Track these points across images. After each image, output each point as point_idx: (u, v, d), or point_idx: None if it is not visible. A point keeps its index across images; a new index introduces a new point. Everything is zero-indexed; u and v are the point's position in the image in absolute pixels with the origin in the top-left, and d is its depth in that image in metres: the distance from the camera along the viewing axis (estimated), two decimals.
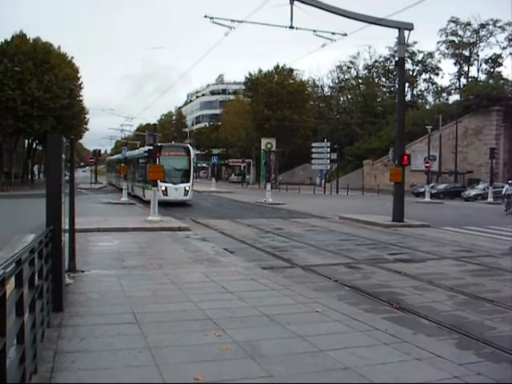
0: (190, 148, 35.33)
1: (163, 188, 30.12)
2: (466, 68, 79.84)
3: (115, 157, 65.24)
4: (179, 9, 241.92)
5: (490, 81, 68.81)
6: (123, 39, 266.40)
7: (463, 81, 79.86)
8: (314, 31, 19.85)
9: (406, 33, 21.04)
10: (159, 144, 26.27)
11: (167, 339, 6.59)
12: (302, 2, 18.96)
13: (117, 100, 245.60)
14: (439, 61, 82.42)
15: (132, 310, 7.98)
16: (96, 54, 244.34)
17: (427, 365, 5.87)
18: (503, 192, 33.57)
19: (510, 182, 34.14)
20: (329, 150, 59.26)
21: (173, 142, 64.74)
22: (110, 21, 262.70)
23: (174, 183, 31.86)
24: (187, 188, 32.61)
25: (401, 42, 21.27)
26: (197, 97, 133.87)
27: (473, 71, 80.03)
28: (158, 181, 23.59)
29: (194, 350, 6.22)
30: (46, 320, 6.62)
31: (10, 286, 4.28)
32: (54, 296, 7.60)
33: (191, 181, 33.27)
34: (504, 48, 76.21)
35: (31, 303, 5.32)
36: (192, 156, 34.45)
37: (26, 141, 70.60)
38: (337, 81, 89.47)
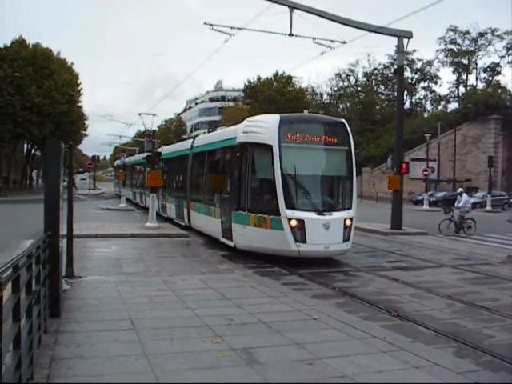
0: (348, 127, 14.83)
1: (294, 223, 13.01)
2: (464, 76, 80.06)
3: (133, 159, 46.17)
4: (180, 16, 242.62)
5: (489, 89, 69.01)
6: (124, 46, 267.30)
7: (462, 89, 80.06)
8: (314, 39, 19.90)
9: (405, 41, 21.12)
10: (279, 116, 14.12)
11: (164, 346, 6.57)
12: (302, 10, 19.03)
13: (116, 106, 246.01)
14: (438, 69, 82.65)
15: (129, 316, 7.96)
16: (97, 61, 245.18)
17: (425, 373, 5.85)
18: (457, 204, 23.51)
19: (460, 190, 24.69)
20: None
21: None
22: (111, 27, 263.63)
23: (317, 210, 13.43)
24: (348, 222, 13.73)
25: (400, 50, 21.36)
26: (196, 103, 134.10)
27: (471, 79, 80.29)
28: (283, 207, 12.95)
29: (191, 356, 6.20)
30: (42, 326, 6.59)
31: (7, 291, 4.27)
32: (51, 302, 7.57)
33: (354, 203, 14.40)
34: (502, 57, 76.49)
35: (28, 309, 5.30)
36: (352, 145, 14.83)
37: (25, 146, 70.64)
38: (336, 88, 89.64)
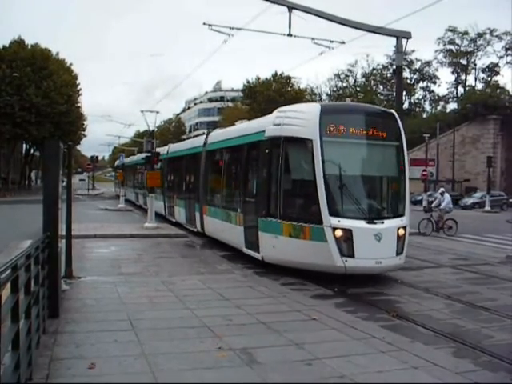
0: (398, 118, 12.67)
1: (340, 234, 10.95)
2: (463, 77, 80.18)
3: (135, 158, 42.28)
4: (179, 16, 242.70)
5: (488, 90, 69.07)
6: (123, 46, 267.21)
7: (460, 89, 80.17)
8: (313, 39, 19.88)
9: (404, 41, 21.13)
10: (320, 105, 12.31)
11: (163, 346, 6.56)
12: (301, 10, 19.03)
13: (115, 107, 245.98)
14: (437, 69, 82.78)
15: (128, 316, 7.95)
16: (96, 61, 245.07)
17: (424, 373, 5.85)
18: (436, 203, 23.18)
19: (442, 190, 24.10)
20: None
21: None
22: (110, 28, 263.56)
23: (367, 218, 11.30)
24: (401, 232, 11.65)
25: (399, 50, 21.36)
26: (195, 104, 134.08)
27: (470, 80, 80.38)
28: (326, 213, 10.91)
29: (191, 357, 6.20)
30: (41, 326, 6.59)
31: (6, 291, 4.27)
32: (50, 302, 7.57)
33: (407, 209, 12.19)
34: (501, 57, 76.62)
35: (27, 309, 5.30)
36: (404, 140, 12.65)
37: (24, 146, 70.60)
38: (335, 89, 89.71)
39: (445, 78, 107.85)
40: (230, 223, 15.06)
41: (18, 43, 57.54)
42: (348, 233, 10.84)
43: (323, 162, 11.18)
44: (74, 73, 62.79)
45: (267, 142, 12.71)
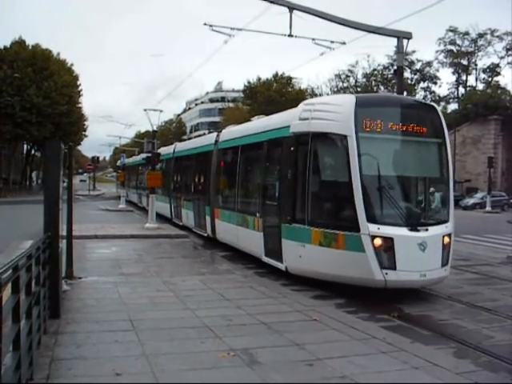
0: (440, 112, 11.46)
1: (379, 243, 9.68)
2: (464, 77, 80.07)
3: (138, 158, 39.25)
4: (180, 17, 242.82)
5: (488, 90, 69.02)
6: (124, 47, 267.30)
7: (461, 90, 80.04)
8: (313, 39, 19.87)
9: (405, 42, 21.13)
10: (354, 96, 10.99)
11: (164, 347, 6.57)
12: (301, 11, 19.03)
13: (116, 107, 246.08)
14: (437, 70, 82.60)
15: (129, 317, 7.96)
16: (97, 62, 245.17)
17: (425, 373, 5.85)
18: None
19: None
20: None
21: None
22: (111, 29, 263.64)
23: (410, 225, 10.07)
24: (446, 240, 10.45)
25: (399, 50, 21.34)
26: (196, 104, 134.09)
27: (471, 80, 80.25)
28: (363, 219, 9.73)
29: (191, 357, 6.20)
30: (42, 326, 6.59)
31: (7, 292, 4.27)
32: (51, 302, 7.58)
33: (451, 214, 10.98)
34: (502, 57, 76.48)
35: (28, 309, 5.31)
36: (447, 137, 11.43)
37: (25, 147, 70.64)
38: (336, 89, 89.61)
39: (446, 79, 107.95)
40: (247, 228, 13.83)
41: (19, 44, 57.60)
42: (389, 242, 9.62)
43: (360, 160, 9.94)
44: (74, 73, 62.89)
45: (292, 139, 11.49)
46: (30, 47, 58.25)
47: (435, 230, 10.22)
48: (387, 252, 9.63)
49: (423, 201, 11.01)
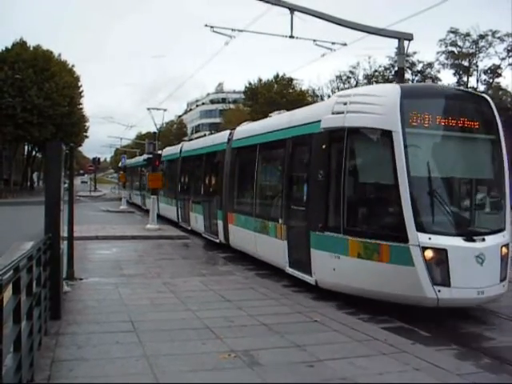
0: (493, 105, 9.89)
1: (431, 255, 8.37)
2: (465, 78, 79.97)
3: (141, 158, 36.21)
4: (181, 17, 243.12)
5: (489, 91, 69.01)
6: (126, 48, 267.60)
7: None
8: (314, 41, 19.87)
9: (406, 43, 21.14)
10: (399, 86, 9.83)
11: (165, 348, 6.56)
12: (302, 12, 19.04)
13: (117, 108, 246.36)
14: (438, 71, 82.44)
15: (130, 318, 7.96)
16: (98, 63, 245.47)
17: (426, 375, 5.84)
18: None
19: None
20: None
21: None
22: (112, 30, 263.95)
23: (465, 234, 8.73)
24: (504, 251, 8.98)
25: (400, 52, 21.34)
26: (197, 105, 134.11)
27: (472, 82, 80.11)
28: (412, 228, 8.45)
29: (192, 358, 6.19)
30: (43, 328, 6.59)
31: (8, 293, 4.27)
32: (52, 304, 7.58)
33: (508, 221, 9.42)
34: (503, 59, 76.38)
35: (28, 310, 5.31)
36: (502, 133, 9.75)
37: (26, 148, 70.72)
38: (337, 90, 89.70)
39: (447, 80, 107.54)
40: (267, 236, 12.51)
41: (21, 45, 57.79)
42: (442, 254, 8.32)
43: (407, 160, 8.69)
44: (76, 74, 63.11)
45: (323, 135, 10.16)
46: (32, 48, 58.43)
47: (493, 240, 8.82)
48: (440, 266, 8.33)
49: (478, 206, 9.83)
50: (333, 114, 9.99)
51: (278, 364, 6.09)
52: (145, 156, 29.51)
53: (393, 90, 9.48)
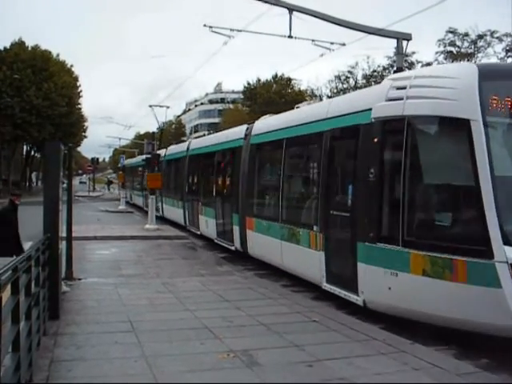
0: None
1: None
2: None
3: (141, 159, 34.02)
4: (181, 18, 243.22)
5: None
6: (125, 48, 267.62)
7: None
8: (313, 41, 19.86)
9: (405, 43, 21.15)
10: (476, 66, 7.96)
11: (164, 348, 6.56)
12: (301, 12, 19.05)
13: (116, 108, 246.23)
14: None
15: (129, 318, 7.95)
16: (97, 63, 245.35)
17: (425, 375, 5.83)
18: None
19: None
20: None
21: None
22: (112, 30, 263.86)
23: None
24: None
25: (399, 52, 21.36)
26: (195, 106, 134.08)
27: None
28: (498, 240, 6.71)
29: (191, 358, 6.19)
30: (42, 328, 6.58)
31: (6, 293, 4.27)
32: (51, 304, 7.57)
33: None
34: (501, 59, 76.42)
35: (27, 311, 5.30)
36: None
37: (25, 148, 70.66)
38: (335, 90, 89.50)
39: None
40: (297, 245, 10.85)
41: (19, 45, 57.68)
42: None
43: (490, 155, 7.12)
44: (74, 74, 62.99)
45: (375, 127, 8.47)
46: (30, 48, 58.32)
47: None
48: None
49: None
50: (388, 100, 8.35)
51: (276, 364, 6.09)
52: (145, 156, 28.52)
53: (469, 69, 7.86)
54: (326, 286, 9.66)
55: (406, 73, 9.62)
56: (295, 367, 5.99)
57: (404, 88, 8.14)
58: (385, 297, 8.10)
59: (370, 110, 8.57)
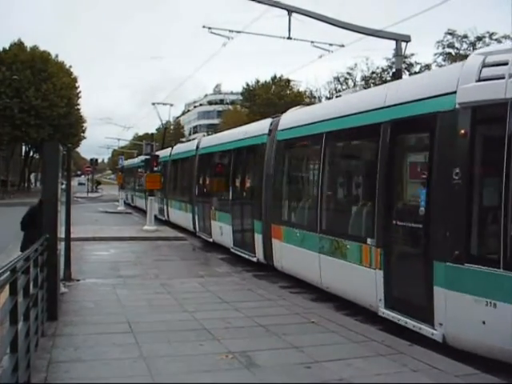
0: None
1: None
2: None
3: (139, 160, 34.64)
4: (180, 19, 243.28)
5: None
6: (125, 49, 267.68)
7: None
8: (312, 42, 19.88)
9: (403, 44, 21.18)
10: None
11: (162, 349, 6.55)
12: (300, 14, 19.06)
13: (115, 109, 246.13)
14: None
15: (127, 319, 7.94)
16: (97, 64, 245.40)
17: (424, 376, 5.83)
18: None
19: None
20: None
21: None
22: (112, 31, 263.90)
23: None
24: None
25: (398, 53, 21.38)
26: (194, 107, 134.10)
27: None
28: None
29: (189, 360, 6.18)
30: (40, 329, 6.57)
31: (5, 293, 4.27)
32: (49, 305, 7.57)
33: None
34: None
35: (25, 312, 5.29)
36: None
37: (23, 149, 70.64)
38: (334, 92, 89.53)
39: None
40: (343, 260, 9.12)
41: (18, 46, 57.70)
42: None
43: None
44: (73, 75, 62.98)
45: (462, 115, 6.72)
46: (29, 49, 58.32)
47: None
48: None
49: None
50: (480, 81, 6.58)
51: (275, 365, 6.08)
52: (144, 156, 28.02)
53: None
54: (385, 313, 7.90)
55: (498, 46, 7.69)
56: (294, 368, 5.99)
57: (505, 64, 6.33)
58: (476, 333, 6.38)
59: (452, 93, 6.87)
